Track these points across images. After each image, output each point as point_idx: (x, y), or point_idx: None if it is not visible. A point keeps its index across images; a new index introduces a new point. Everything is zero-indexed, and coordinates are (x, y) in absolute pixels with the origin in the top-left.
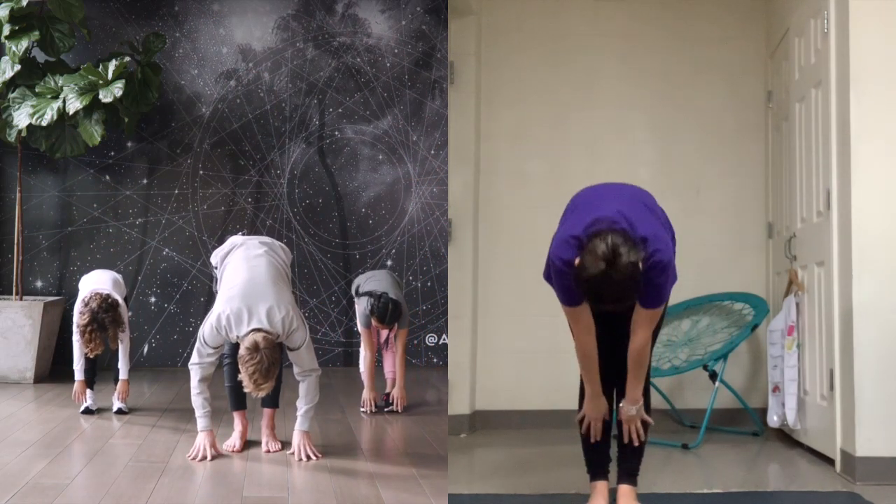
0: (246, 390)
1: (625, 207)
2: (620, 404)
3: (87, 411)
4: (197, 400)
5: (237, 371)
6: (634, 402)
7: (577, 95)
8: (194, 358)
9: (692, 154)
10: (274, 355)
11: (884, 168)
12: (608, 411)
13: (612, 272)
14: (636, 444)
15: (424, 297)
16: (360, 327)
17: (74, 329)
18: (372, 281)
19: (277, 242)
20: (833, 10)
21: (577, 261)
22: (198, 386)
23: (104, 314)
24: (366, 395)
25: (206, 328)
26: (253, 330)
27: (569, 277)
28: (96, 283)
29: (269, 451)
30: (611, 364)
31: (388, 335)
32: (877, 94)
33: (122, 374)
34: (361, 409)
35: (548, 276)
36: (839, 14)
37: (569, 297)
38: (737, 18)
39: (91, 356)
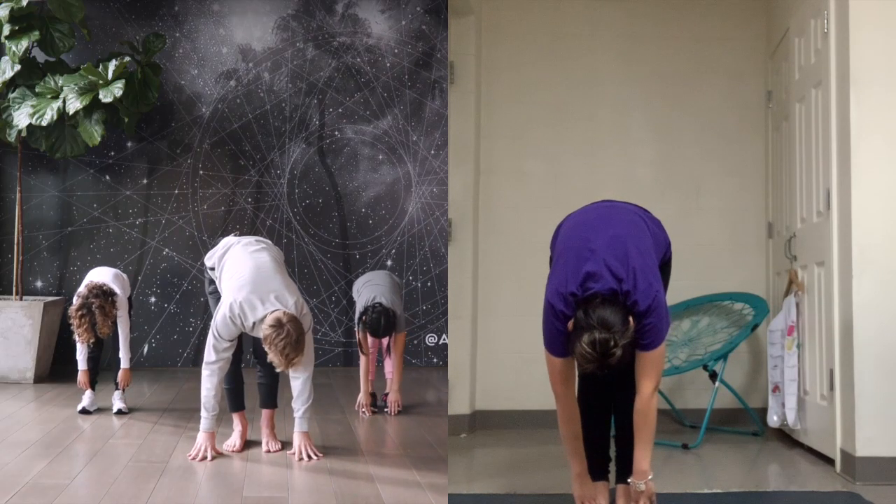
0: (279, 369)
1: (609, 255)
2: (629, 480)
3: (84, 411)
4: (210, 402)
5: (235, 373)
6: (643, 476)
7: (576, 95)
8: (210, 356)
9: (692, 154)
10: (298, 327)
11: (884, 168)
12: (603, 486)
13: (604, 364)
14: None
15: (424, 297)
16: (356, 330)
17: (70, 319)
18: (369, 286)
19: (269, 241)
20: (833, 10)
21: (570, 324)
22: (214, 388)
23: (94, 299)
24: (361, 397)
25: (219, 320)
26: (270, 312)
27: (560, 326)
28: (97, 276)
29: (269, 451)
30: (606, 406)
31: (388, 341)
32: (877, 94)
33: (123, 362)
34: (361, 410)
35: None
36: (839, 14)
37: (555, 347)
38: (737, 18)
39: (82, 343)
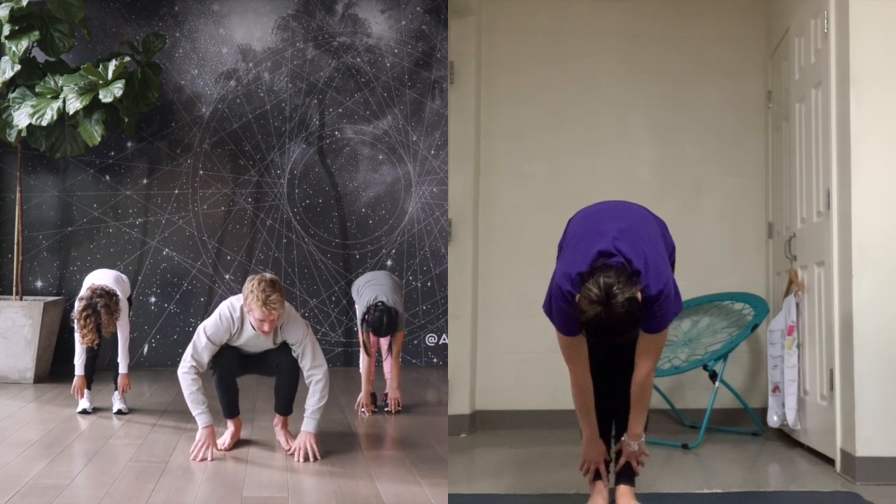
0: (257, 319)
1: (620, 238)
2: (622, 438)
3: (84, 412)
4: (197, 396)
5: (228, 383)
6: (636, 438)
7: (577, 95)
8: (187, 361)
9: (692, 154)
10: (280, 283)
11: (884, 168)
12: (607, 452)
13: (608, 312)
14: (637, 473)
15: (424, 297)
16: (359, 330)
17: (74, 322)
18: (371, 286)
19: None
20: (833, 10)
21: (577, 297)
22: (192, 384)
23: (98, 299)
24: (362, 396)
25: (209, 322)
26: None
27: (569, 308)
28: (98, 279)
29: (291, 452)
30: (610, 386)
31: (389, 340)
32: (877, 94)
33: (122, 367)
34: (361, 410)
35: (549, 310)
36: (839, 14)
37: (567, 328)
38: (737, 18)
39: (85, 344)
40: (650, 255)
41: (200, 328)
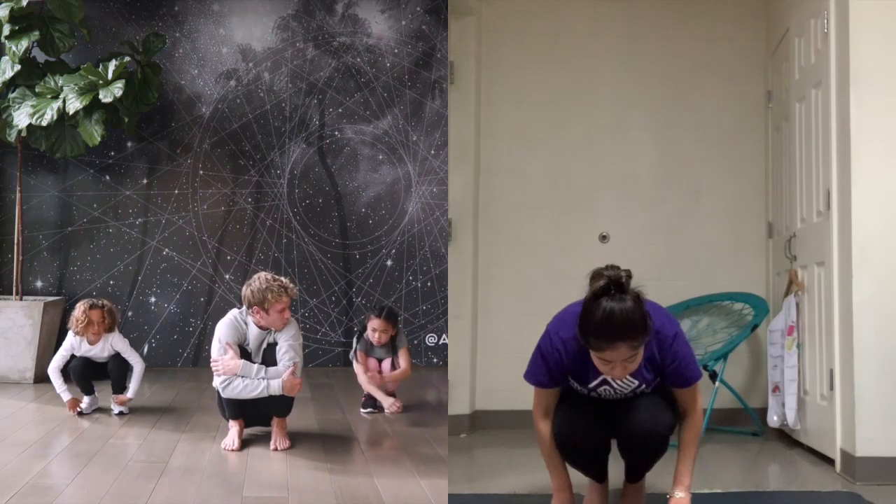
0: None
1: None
2: (668, 495)
3: (80, 413)
4: (249, 369)
5: None
6: (686, 490)
7: (577, 95)
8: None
9: (692, 154)
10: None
11: (884, 168)
12: (603, 488)
13: (620, 306)
14: None
15: (424, 297)
16: (357, 354)
17: (53, 366)
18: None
19: None
20: (833, 10)
21: (573, 336)
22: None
23: (104, 301)
24: (379, 396)
25: (219, 328)
26: None
27: (552, 355)
28: None
29: (276, 449)
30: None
31: (392, 359)
32: (877, 94)
33: (130, 393)
34: (363, 411)
35: (532, 369)
36: (839, 14)
37: (548, 375)
38: (737, 18)
39: (82, 335)
40: (654, 305)
41: (216, 339)
